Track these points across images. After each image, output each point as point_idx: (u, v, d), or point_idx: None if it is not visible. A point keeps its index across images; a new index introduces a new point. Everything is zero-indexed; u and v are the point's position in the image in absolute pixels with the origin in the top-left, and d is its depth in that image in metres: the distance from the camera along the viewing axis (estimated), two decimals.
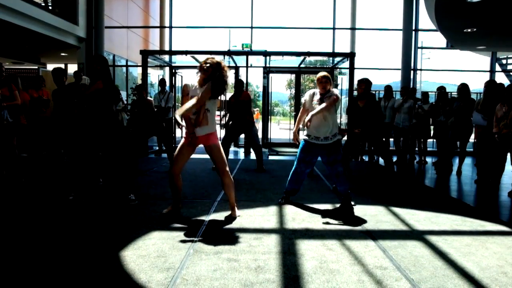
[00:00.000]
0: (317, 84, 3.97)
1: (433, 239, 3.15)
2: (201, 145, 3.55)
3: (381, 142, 5.25)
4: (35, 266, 2.46)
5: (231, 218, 3.61)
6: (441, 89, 7.27)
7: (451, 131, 6.44)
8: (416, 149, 8.23)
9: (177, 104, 10.00)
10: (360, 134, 4.97)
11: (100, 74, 3.94)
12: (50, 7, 9.17)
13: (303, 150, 4.05)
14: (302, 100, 4.13)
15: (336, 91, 3.94)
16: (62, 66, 14.39)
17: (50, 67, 13.99)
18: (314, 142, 3.95)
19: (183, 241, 2.95)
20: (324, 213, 3.87)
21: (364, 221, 3.61)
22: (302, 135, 4.15)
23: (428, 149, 8.71)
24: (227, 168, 3.59)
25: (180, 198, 3.72)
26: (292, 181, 4.17)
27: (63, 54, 12.07)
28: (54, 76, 5.27)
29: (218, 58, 3.44)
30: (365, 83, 4.91)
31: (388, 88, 7.96)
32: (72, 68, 12.46)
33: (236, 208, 3.72)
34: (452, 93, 8.03)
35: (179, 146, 3.58)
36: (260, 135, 11.06)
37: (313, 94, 3.99)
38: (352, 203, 4.05)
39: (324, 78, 3.91)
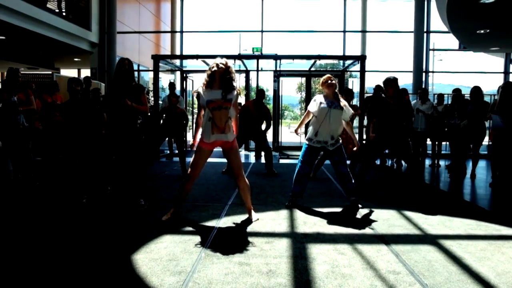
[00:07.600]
0: (324, 86, 4.04)
1: (447, 243, 3.10)
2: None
3: (408, 145, 4.72)
4: (47, 268, 2.49)
5: (248, 222, 3.62)
6: (457, 91, 7.17)
7: (464, 133, 6.34)
8: (430, 151, 8.09)
9: (188, 108, 10.04)
10: (388, 136, 4.60)
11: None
12: (63, 14, 9.35)
13: (306, 153, 4.15)
14: (310, 106, 4.15)
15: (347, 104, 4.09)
16: (76, 71, 14.66)
17: (63, 72, 14.25)
18: (316, 146, 4.10)
19: (194, 245, 2.96)
20: (335, 217, 3.85)
21: (376, 225, 3.58)
22: (303, 139, 4.21)
23: (442, 152, 8.58)
24: (243, 172, 3.61)
25: (181, 204, 3.73)
26: (298, 183, 4.20)
27: (76, 59, 12.29)
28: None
29: (213, 61, 3.42)
30: (393, 82, 4.46)
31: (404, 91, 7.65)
32: (85, 73, 12.65)
33: (253, 212, 3.74)
34: (465, 95, 7.90)
35: (197, 151, 3.49)
36: (270, 138, 11.06)
37: (320, 102, 4.06)
38: (360, 206, 4.16)
39: (330, 78, 4.05)
